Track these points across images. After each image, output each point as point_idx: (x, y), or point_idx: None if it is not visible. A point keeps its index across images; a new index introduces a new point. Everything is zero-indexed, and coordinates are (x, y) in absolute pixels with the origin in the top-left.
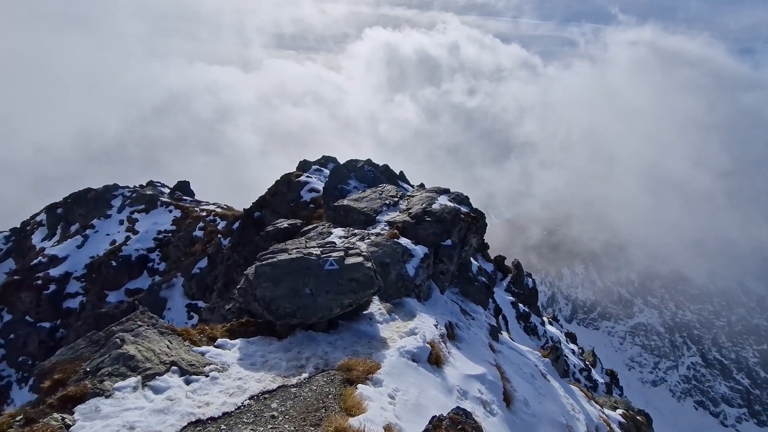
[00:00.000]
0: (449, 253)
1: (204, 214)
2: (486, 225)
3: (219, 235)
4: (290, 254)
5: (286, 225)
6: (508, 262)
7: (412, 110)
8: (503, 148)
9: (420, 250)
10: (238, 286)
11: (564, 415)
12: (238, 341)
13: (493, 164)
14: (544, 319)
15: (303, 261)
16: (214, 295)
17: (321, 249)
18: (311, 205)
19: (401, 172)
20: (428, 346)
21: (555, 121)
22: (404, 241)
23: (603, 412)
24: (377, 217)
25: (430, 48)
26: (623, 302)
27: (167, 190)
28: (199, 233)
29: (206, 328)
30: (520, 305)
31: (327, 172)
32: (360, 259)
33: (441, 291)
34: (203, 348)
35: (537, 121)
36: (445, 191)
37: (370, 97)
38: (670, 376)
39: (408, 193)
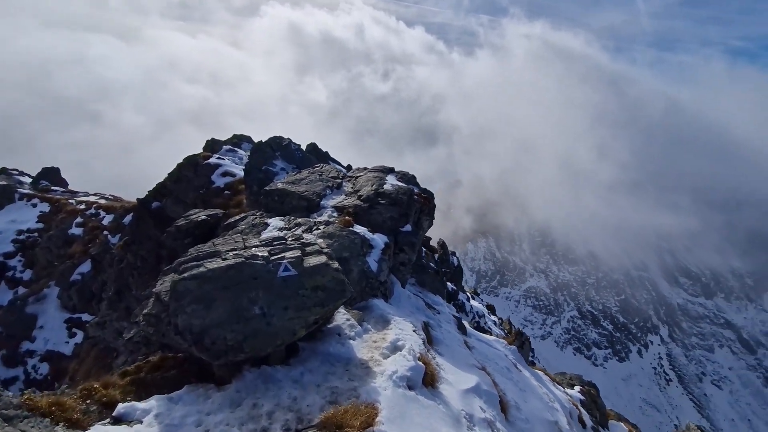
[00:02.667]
0: (410, 241)
1: (83, 207)
2: (435, 206)
3: (105, 232)
4: (225, 259)
5: (204, 217)
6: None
7: (323, 93)
8: (420, 133)
9: (379, 240)
10: (146, 311)
11: (548, 410)
12: (153, 401)
13: (412, 149)
14: (468, 294)
15: (246, 268)
16: (103, 305)
17: (268, 248)
18: (226, 192)
19: (326, 153)
20: (420, 363)
21: (469, 108)
22: (360, 229)
23: (567, 393)
24: (321, 202)
25: (336, 29)
26: (517, 270)
27: (28, 180)
28: (77, 231)
29: (95, 388)
30: (449, 284)
31: (242, 153)
32: (323, 258)
33: (402, 284)
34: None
35: (453, 108)
36: (391, 170)
37: (276, 77)
38: (555, 329)
39: (349, 174)
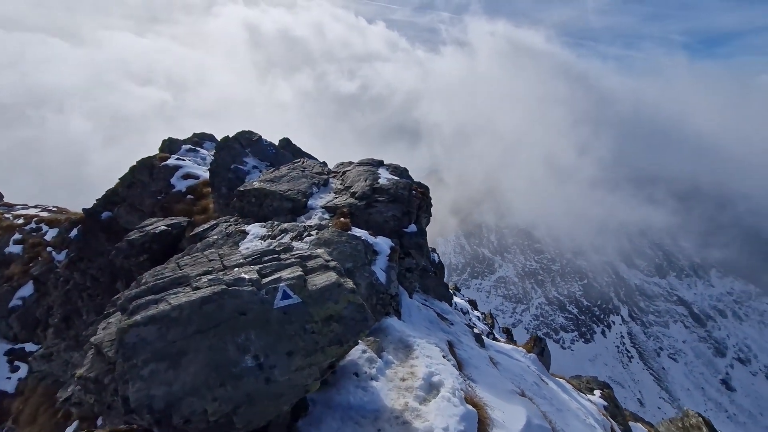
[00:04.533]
0: (417, 243)
1: (21, 221)
2: (431, 201)
3: (48, 249)
4: (197, 288)
5: (163, 227)
6: None
7: (288, 93)
8: (395, 131)
9: (384, 244)
10: (81, 372)
11: (589, 431)
12: None
13: (387, 148)
14: (451, 291)
15: (229, 299)
16: (49, 333)
17: (257, 267)
18: (189, 196)
19: (300, 149)
20: (471, 408)
21: (444, 106)
22: (360, 232)
23: (590, 401)
24: (309, 202)
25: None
26: (486, 261)
27: None
28: (15, 249)
29: None
30: None
31: (205, 152)
32: (333, 275)
33: (409, 294)
34: None
35: (427, 106)
36: (380, 163)
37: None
38: (524, 317)
39: (335, 169)
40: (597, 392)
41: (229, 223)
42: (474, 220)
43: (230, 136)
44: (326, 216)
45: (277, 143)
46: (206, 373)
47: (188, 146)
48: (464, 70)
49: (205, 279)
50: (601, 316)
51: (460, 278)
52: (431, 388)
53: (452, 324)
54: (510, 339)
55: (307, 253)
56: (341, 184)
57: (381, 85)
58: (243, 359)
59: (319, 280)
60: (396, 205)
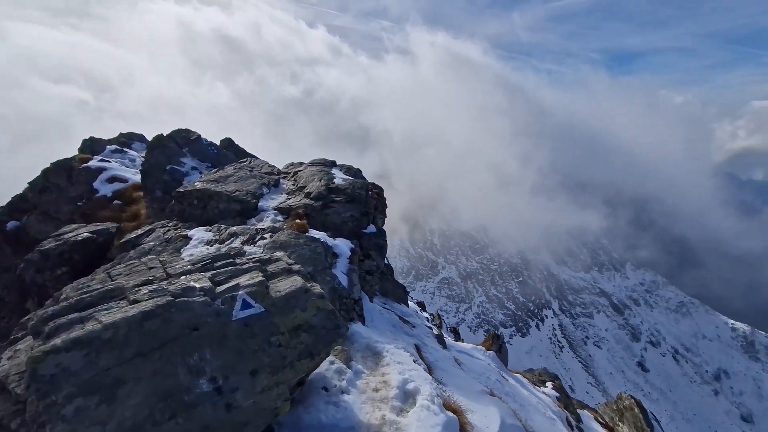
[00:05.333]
0: (377, 244)
1: None
2: (386, 202)
3: None
4: (136, 301)
5: (86, 234)
6: None
7: (225, 95)
8: (341, 137)
9: (344, 246)
10: None
11: (551, 423)
12: None
13: (333, 155)
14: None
15: (177, 313)
16: None
17: (209, 274)
18: (116, 202)
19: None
20: (451, 415)
21: (391, 113)
22: (318, 234)
23: (545, 393)
24: (260, 204)
25: (230, 28)
26: (430, 263)
27: None
28: None
29: None
30: None
31: (134, 153)
32: (298, 280)
33: (370, 298)
34: None
35: (374, 113)
36: (333, 164)
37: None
38: (467, 315)
39: (285, 170)
40: (549, 384)
41: (167, 228)
42: (420, 225)
43: (164, 135)
44: (279, 218)
45: (218, 143)
46: (151, 404)
47: (114, 147)
48: (408, 79)
49: (145, 290)
50: (535, 311)
51: (405, 281)
52: (407, 396)
53: (414, 326)
54: (457, 338)
55: (266, 257)
56: (294, 184)
57: (326, 90)
58: (197, 384)
59: (283, 285)
60: (354, 205)
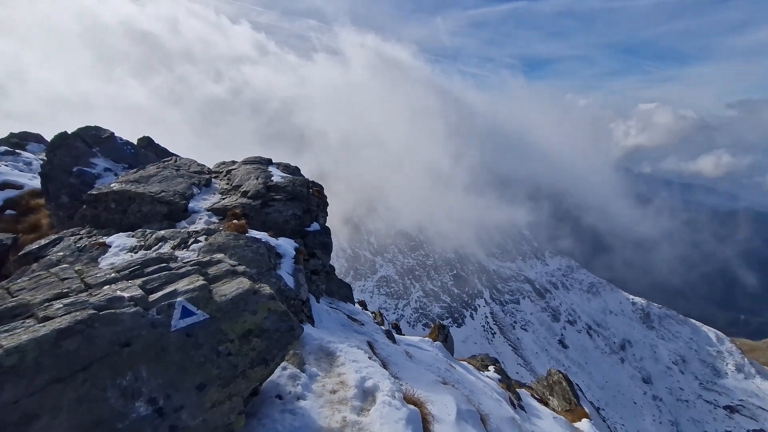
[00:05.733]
0: (322, 242)
1: None
2: (327, 200)
3: None
4: (48, 318)
5: None
6: None
7: (141, 94)
8: (278, 138)
9: (288, 245)
10: None
11: (499, 405)
12: None
13: (268, 154)
14: None
15: (103, 327)
16: None
17: (138, 281)
18: (9, 211)
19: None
20: (414, 408)
21: (324, 114)
22: (259, 234)
23: (490, 378)
24: (190, 205)
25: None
26: (368, 263)
27: None
28: None
29: None
30: None
31: (30, 155)
32: (244, 282)
33: (317, 299)
34: None
35: (307, 113)
36: (269, 161)
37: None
38: (406, 311)
39: (216, 169)
40: (491, 368)
41: (79, 236)
42: (359, 225)
43: (69, 133)
44: (214, 219)
45: (135, 143)
46: None
47: (4, 149)
48: (341, 79)
49: (59, 304)
50: (469, 301)
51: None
52: (366, 395)
53: (363, 324)
54: (399, 333)
55: (206, 259)
56: (228, 183)
57: (254, 89)
58: (133, 407)
59: (229, 288)
60: (295, 203)
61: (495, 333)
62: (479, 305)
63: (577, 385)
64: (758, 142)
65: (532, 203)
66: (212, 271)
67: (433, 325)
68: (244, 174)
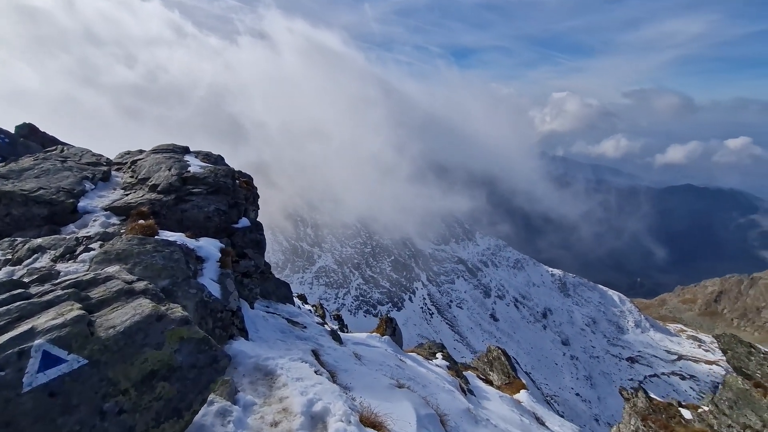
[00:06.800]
0: (254, 240)
1: None
2: (257, 192)
3: None
4: None
5: None
6: None
7: (34, 79)
8: (208, 128)
9: (211, 246)
10: None
11: (453, 397)
12: None
13: (198, 147)
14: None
15: None
16: None
17: None
18: None
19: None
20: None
21: (263, 102)
22: (173, 235)
23: (439, 366)
24: (81, 204)
25: None
26: (306, 254)
27: None
28: None
29: None
30: None
31: None
32: (145, 304)
33: (250, 304)
34: None
35: (242, 101)
36: (185, 150)
37: None
38: (347, 299)
39: (118, 160)
40: (439, 355)
41: None
42: (302, 217)
43: None
44: (114, 220)
45: (13, 131)
46: None
47: None
48: (272, 66)
49: None
50: (407, 285)
51: (281, 275)
52: (316, 422)
53: (305, 327)
54: (341, 324)
55: (88, 277)
56: (133, 176)
57: (174, 74)
58: None
59: (120, 315)
60: (219, 196)
61: (433, 313)
62: (417, 288)
63: (514, 358)
64: (649, 127)
65: (470, 190)
66: (97, 293)
67: (380, 320)
68: (153, 164)
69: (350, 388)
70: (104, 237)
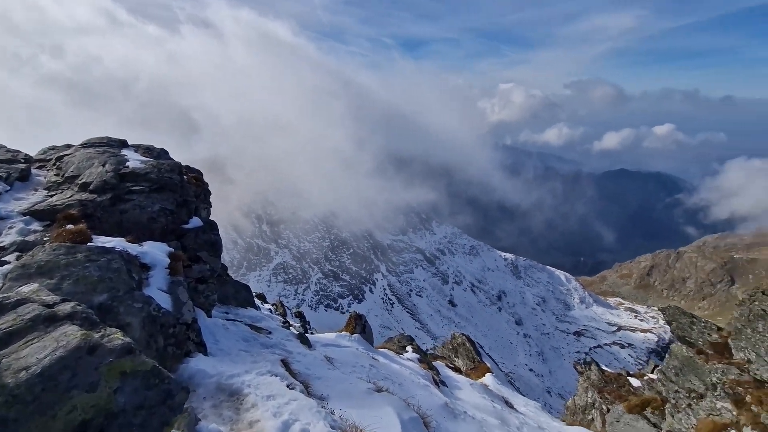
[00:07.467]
0: (209, 240)
1: None
2: (209, 188)
3: None
4: None
5: None
6: None
7: None
8: (155, 123)
9: (156, 251)
10: None
11: (429, 393)
12: None
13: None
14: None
15: None
16: None
17: None
18: None
19: None
20: None
21: (213, 94)
22: (110, 241)
23: (410, 360)
24: None
25: None
26: (262, 251)
27: None
28: None
29: None
30: None
31: None
32: (71, 333)
33: (208, 313)
34: None
35: (191, 93)
36: (123, 143)
37: None
38: (307, 295)
39: (40, 157)
40: (409, 348)
41: None
42: (259, 215)
43: None
44: (36, 226)
45: None
46: None
47: None
48: (219, 56)
49: None
50: (367, 277)
51: (237, 274)
52: None
53: (270, 332)
54: (304, 321)
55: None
56: (58, 174)
57: (110, 66)
58: None
59: (37, 351)
60: (164, 194)
61: (394, 303)
62: (377, 279)
63: (479, 344)
64: (587, 116)
65: (429, 182)
66: (4, 323)
67: (349, 317)
68: (84, 160)
69: (326, 398)
70: (22, 247)
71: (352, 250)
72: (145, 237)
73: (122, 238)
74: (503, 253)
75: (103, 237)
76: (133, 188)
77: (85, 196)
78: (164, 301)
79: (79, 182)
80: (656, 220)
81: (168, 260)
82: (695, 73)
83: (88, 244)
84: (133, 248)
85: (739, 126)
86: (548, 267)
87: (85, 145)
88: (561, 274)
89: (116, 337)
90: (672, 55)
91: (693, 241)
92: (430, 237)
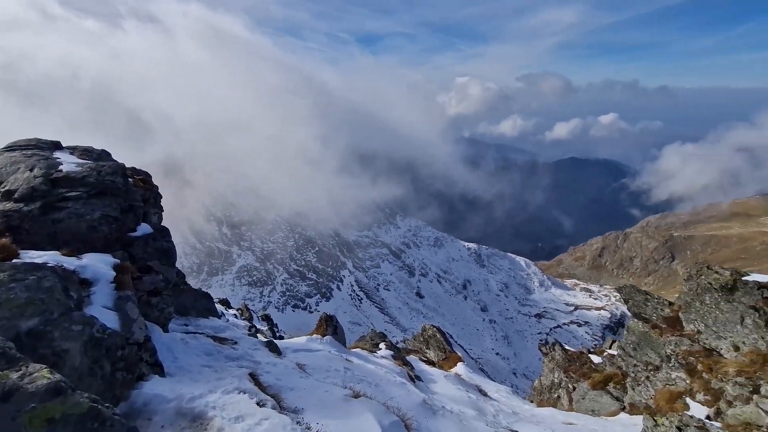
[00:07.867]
0: (161, 248)
1: None
2: (159, 192)
3: None
4: None
5: None
6: None
7: None
8: (102, 126)
9: (99, 264)
10: None
11: (406, 391)
12: None
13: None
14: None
15: None
16: None
17: None
18: None
19: None
20: None
21: (164, 93)
22: (41, 255)
23: (385, 358)
24: None
25: None
26: (223, 255)
27: None
28: None
29: None
30: None
31: None
32: None
33: (164, 328)
34: None
35: (141, 93)
36: (56, 145)
37: None
38: (273, 296)
39: None
40: (382, 345)
41: None
42: (219, 217)
43: None
44: None
45: None
46: None
47: None
48: (167, 53)
49: None
50: (334, 274)
51: (197, 280)
52: None
53: (236, 343)
54: (270, 324)
55: None
56: None
57: (47, 64)
58: None
59: None
60: (106, 199)
61: (362, 299)
62: (344, 276)
63: (449, 334)
64: (538, 107)
65: (395, 177)
66: None
67: (319, 319)
68: (7, 165)
69: (301, 410)
70: None
71: (317, 248)
72: (85, 249)
73: (56, 252)
74: (467, 243)
75: (33, 251)
76: (68, 194)
77: (9, 206)
78: (110, 320)
79: (3, 190)
80: (606, 204)
81: (113, 273)
82: (634, 65)
83: (13, 260)
84: (70, 262)
85: (674, 114)
86: (509, 254)
87: (10, 148)
88: (521, 260)
89: (41, 376)
90: (613, 48)
91: (638, 222)
92: (394, 231)
